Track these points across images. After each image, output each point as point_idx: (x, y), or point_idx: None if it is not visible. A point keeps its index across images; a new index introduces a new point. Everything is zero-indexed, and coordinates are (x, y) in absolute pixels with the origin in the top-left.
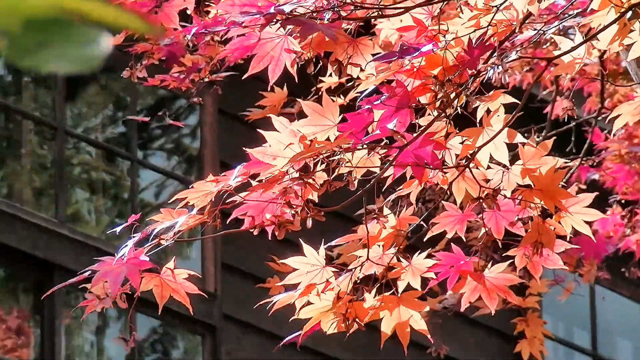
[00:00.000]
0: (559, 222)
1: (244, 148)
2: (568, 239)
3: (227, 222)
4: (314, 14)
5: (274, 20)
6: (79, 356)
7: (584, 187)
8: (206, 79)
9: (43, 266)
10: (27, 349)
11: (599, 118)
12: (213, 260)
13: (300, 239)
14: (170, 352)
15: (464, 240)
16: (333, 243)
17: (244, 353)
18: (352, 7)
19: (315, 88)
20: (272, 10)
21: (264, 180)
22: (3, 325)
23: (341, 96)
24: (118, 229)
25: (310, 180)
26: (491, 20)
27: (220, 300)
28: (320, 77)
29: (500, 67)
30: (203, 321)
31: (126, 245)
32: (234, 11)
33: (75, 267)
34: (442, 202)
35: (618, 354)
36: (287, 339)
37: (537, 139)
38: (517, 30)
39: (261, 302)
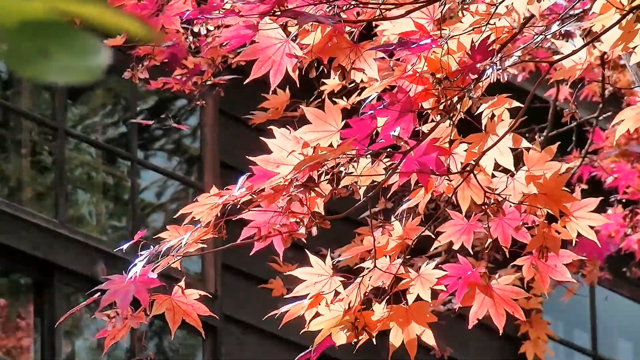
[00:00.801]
0: (564, 227)
1: (247, 157)
2: (576, 239)
3: (237, 242)
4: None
5: (272, 10)
6: (79, 357)
7: (585, 187)
8: (209, 82)
9: (43, 267)
10: (27, 349)
11: (600, 118)
12: (213, 261)
13: (302, 242)
14: (170, 353)
15: (471, 252)
16: (341, 258)
17: (244, 353)
18: (354, 8)
19: (317, 91)
20: None
21: (266, 190)
22: (3, 326)
23: (344, 98)
24: (125, 246)
25: (316, 189)
26: (488, 20)
27: (220, 300)
28: (322, 80)
29: (499, 67)
30: (203, 322)
31: (135, 265)
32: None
33: (75, 267)
34: (447, 210)
35: (618, 355)
36: (300, 356)
37: (539, 139)
38: (518, 33)
39: (270, 314)
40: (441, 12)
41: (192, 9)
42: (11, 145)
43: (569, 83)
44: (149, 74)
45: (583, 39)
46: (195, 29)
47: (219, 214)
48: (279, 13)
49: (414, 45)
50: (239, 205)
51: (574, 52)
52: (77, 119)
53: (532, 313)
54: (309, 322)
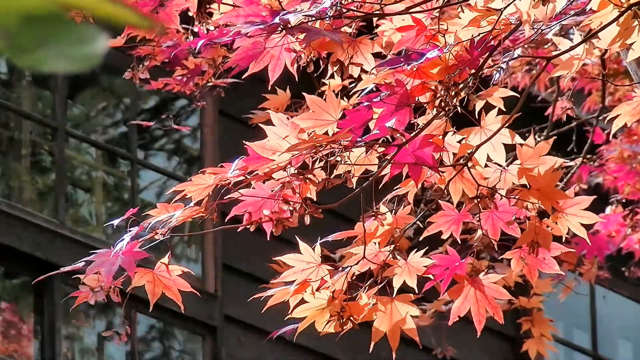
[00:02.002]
0: (556, 223)
1: (243, 142)
2: (570, 237)
3: (226, 220)
4: (317, 15)
5: (278, 29)
6: (79, 357)
7: (584, 187)
8: (209, 83)
9: (43, 267)
10: (27, 349)
11: (600, 118)
12: (213, 261)
13: (299, 239)
14: (170, 353)
15: (459, 241)
16: (329, 238)
17: (244, 354)
18: (354, 9)
19: (318, 91)
20: (276, 20)
21: (260, 173)
22: (3, 326)
23: (344, 98)
24: (116, 222)
25: (309, 176)
26: (495, 23)
27: (220, 300)
28: (323, 80)
29: (504, 69)
30: (203, 322)
31: (123, 239)
32: (239, 21)
33: None
34: (439, 201)
35: (618, 355)
36: (280, 331)
37: (539, 139)
38: (520, 29)
39: (255, 296)
40: (439, 7)
41: (192, 5)
42: (11, 145)
43: (571, 95)
44: (150, 75)
45: (582, 36)
46: (196, 29)
47: (211, 193)
48: (285, 29)
49: (421, 60)
50: (232, 190)
51: (571, 48)
52: (77, 119)
53: (534, 311)
54: (293, 309)
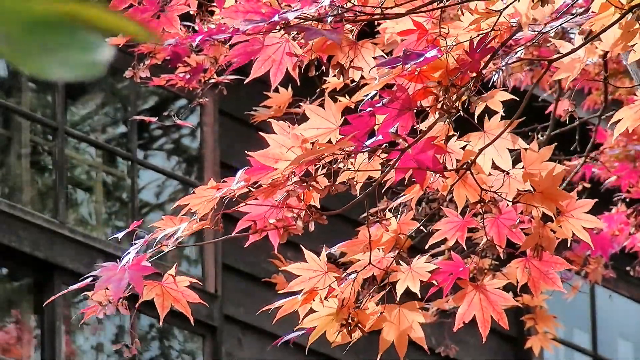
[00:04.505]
0: (560, 226)
1: (246, 152)
2: (576, 238)
3: (233, 234)
4: (317, 18)
5: (277, 27)
6: (79, 357)
7: (588, 185)
8: (212, 80)
9: (43, 267)
10: (27, 349)
11: (603, 117)
12: (213, 261)
13: (302, 242)
14: (170, 353)
15: (465, 248)
16: (335, 248)
17: (244, 353)
18: (356, 12)
19: (319, 89)
20: (275, 18)
21: (264, 185)
22: (3, 326)
23: (346, 96)
24: (120, 235)
25: (313, 184)
26: (494, 24)
27: (220, 300)
28: (324, 78)
29: (503, 70)
30: (204, 322)
31: (129, 253)
32: (238, 17)
33: (75, 267)
34: (442, 207)
35: (618, 355)
36: (286, 337)
37: (541, 138)
38: (521, 31)
39: (264, 308)
40: (440, 11)
41: (192, 7)
42: (11, 145)
43: (572, 95)
44: (150, 73)
45: (582, 38)
46: (197, 27)
47: (215, 207)
48: (284, 28)
49: (420, 59)
50: (235, 199)
51: (572, 51)
52: (77, 119)
53: (537, 308)
54: (302, 319)
